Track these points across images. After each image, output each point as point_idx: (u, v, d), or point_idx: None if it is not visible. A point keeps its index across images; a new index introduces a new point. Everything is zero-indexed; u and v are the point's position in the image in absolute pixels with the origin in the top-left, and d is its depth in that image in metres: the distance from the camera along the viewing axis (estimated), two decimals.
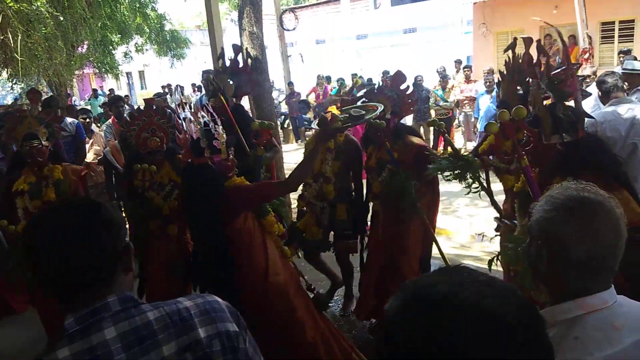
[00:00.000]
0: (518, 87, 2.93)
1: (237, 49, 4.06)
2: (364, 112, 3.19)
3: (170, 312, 1.03)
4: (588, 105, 5.54)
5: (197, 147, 2.53)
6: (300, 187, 3.62)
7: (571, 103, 2.15)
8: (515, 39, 2.98)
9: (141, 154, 3.46)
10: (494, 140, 2.46)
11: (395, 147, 3.36)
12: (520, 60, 2.69)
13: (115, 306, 0.99)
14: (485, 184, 3.01)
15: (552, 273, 1.10)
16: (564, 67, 2.15)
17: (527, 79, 2.96)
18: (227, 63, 3.96)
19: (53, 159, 3.40)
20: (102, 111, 10.73)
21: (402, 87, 3.45)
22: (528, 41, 2.73)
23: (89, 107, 10.47)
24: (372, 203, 3.70)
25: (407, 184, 3.20)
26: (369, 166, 3.58)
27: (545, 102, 2.19)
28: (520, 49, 2.77)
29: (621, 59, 8.36)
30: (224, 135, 2.63)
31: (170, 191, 3.51)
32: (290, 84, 13.29)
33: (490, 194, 3.01)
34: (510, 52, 2.96)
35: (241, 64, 4.01)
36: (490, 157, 2.97)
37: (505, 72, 2.94)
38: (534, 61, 2.86)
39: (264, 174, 3.48)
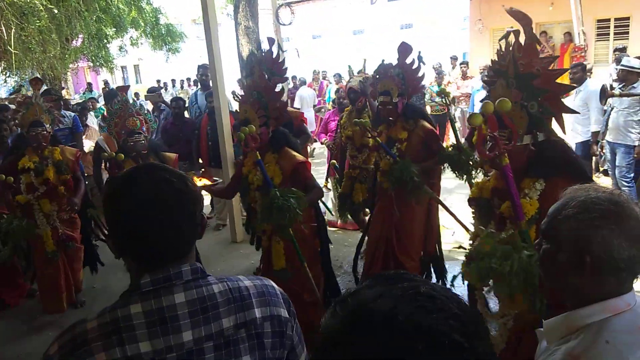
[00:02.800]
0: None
1: (272, 40, 4.23)
2: None
3: (233, 288, 1.10)
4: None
5: None
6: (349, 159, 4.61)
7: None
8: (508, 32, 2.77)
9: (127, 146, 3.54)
10: (477, 134, 2.22)
11: (407, 127, 3.49)
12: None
13: (187, 275, 1.06)
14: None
15: (587, 280, 1.08)
16: (532, 63, 1.97)
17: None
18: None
19: (51, 142, 3.88)
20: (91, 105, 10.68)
21: (408, 61, 3.49)
22: (516, 33, 2.44)
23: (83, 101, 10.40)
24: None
25: (406, 171, 3.25)
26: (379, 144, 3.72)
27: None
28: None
29: (616, 55, 8.39)
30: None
31: None
32: (294, 77, 13.35)
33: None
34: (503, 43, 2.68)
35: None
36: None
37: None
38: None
39: None
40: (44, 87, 7.94)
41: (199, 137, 5.69)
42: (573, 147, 5.58)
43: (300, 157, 3.18)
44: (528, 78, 1.95)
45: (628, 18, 11.41)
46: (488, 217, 2.11)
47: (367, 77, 4.28)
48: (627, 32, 11.47)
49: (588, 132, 5.58)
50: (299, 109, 8.17)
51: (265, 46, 4.23)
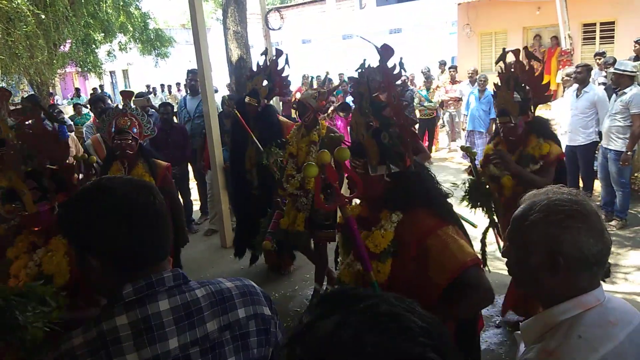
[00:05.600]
0: (515, 94, 3.10)
1: (279, 52, 4.24)
2: None
3: (215, 291, 1.11)
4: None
5: None
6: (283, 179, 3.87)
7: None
8: (504, 49, 3.23)
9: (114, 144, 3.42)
10: (315, 184, 1.98)
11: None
12: (512, 68, 3.02)
13: (169, 281, 1.07)
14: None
15: (560, 279, 1.11)
16: (384, 90, 1.84)
17: (523, 85, 3.12)
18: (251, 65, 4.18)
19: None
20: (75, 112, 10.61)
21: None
22: (516, 51, 3.05)
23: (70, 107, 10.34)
24: None
25: None
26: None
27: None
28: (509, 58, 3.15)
29: (598, 61, 8.49)
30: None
31: None
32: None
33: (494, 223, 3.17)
34: (502, 63, 3.17)
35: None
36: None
37: (499, 83, 3.16)
38: (527, 68, 3.12)
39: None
40: (30, 93, 7.83)
41: (204, 142, 5.66)
42: (575, 151, 5.55)
43: None
44: (380, 107, 1.83)
45: (613, 22, 11.57)
46: (350, 245, 1.97)
47: (322, 92, 3.87)
48: (612, 37, 11.63)
49: (590, 136, 5.48)
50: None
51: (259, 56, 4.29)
